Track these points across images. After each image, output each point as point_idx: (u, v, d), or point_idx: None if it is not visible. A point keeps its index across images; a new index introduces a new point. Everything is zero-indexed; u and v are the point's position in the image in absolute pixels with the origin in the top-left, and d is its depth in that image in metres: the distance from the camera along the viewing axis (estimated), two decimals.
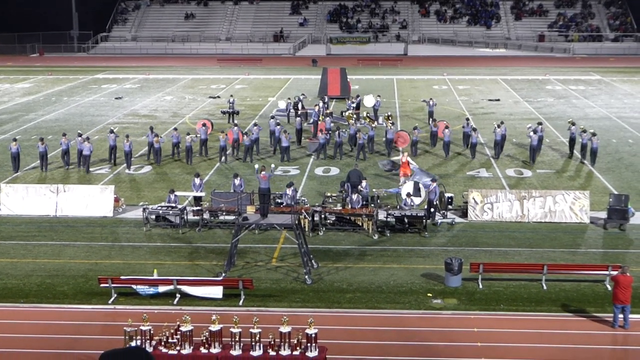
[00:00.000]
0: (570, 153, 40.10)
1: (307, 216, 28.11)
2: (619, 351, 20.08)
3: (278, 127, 41.30)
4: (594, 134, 38.67)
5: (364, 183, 30.53)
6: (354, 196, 29.42)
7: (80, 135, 39.88)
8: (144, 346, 17.88)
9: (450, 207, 30.75)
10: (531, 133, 39.15)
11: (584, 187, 33.75)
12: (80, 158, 37.84)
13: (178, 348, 18.08)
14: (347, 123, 45.78)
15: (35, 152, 38.50)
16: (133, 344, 17.98)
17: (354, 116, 45.59)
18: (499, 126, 39.86)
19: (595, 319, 21.35)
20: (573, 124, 40.99)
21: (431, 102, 48.55)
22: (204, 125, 42.04)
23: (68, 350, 19.71)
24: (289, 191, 29.37)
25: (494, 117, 44.72)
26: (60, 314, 22.00)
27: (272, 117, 44.04)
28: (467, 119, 45.15)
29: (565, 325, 21.02)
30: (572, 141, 40.03)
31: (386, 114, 45.65)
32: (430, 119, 44.62)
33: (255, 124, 42.41)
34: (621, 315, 20.76)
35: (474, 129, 40.71)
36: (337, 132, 40.15)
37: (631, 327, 20.70)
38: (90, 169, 37.32)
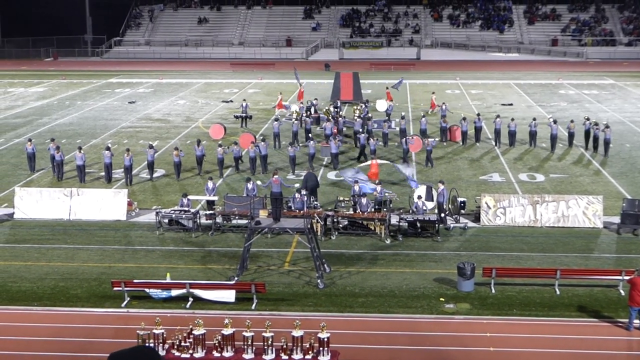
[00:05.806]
0: (586, 145, 42.91)
1: (319, 220, 28.14)
2: (634, 357, 19.98)
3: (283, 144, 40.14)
4: (607, 126, 42.19)
5: (378, 188, 30.46)
6: (363, 200, 29.41)
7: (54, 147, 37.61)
8: (156, 349, 17.90)
9: (462, 211, 30.72)
10: (552, 122, 43.18)
11: (597, 191, 33.59)
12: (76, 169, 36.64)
13: (191, 352, 18.11)
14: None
15: (49, 155, 38.47)
16: None
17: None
18: (498, 116, 45.20)
19: (608, 324, 21.27)
20: (588, 119, 44.53)
21: (444, 107, 48.71)
22: (263, 140, 39.01)
23: (81, 354, 19.81)
24: (298, 195, 29.33)
25: (506, 122, 44.68)
26: (73, 317, 22.09)
27: (276, 120, 44.41)
28: (478, 114, 47.29)
29: (578, 331, 20.93)
30: (587, 134, 42.99)
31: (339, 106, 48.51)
32: (442, 118, 45.78)
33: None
34: (637, 321, 20.67)
35: (464, 118, 45.23)
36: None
37: None
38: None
